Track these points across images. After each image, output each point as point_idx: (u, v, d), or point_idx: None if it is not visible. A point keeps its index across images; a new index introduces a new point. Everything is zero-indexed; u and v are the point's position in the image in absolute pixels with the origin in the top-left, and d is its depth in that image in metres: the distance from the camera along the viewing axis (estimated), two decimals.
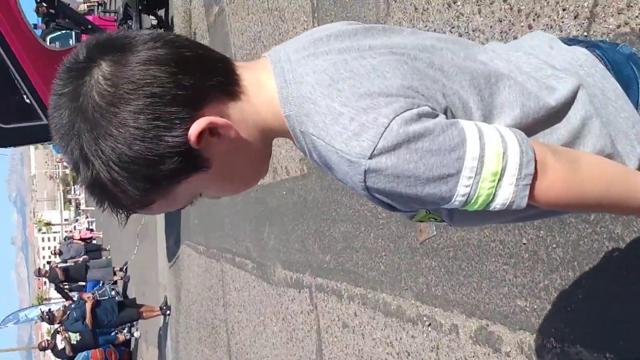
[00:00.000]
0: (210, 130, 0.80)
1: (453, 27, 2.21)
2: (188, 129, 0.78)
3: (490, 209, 0.79)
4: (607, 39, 1.64)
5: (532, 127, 0.85)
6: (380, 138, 0.74)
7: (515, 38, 1.92)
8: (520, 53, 0.93)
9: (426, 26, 2.36)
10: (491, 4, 2.01)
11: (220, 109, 0.82)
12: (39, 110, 7.04)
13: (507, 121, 0.83)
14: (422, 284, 2.57)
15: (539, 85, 0.86)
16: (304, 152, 0.87)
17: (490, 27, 2.02)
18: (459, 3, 2.17)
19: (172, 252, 9.24)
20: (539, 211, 0.88)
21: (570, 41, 0.98)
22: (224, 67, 0.85)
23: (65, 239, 28.81)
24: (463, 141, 0.76)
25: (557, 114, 0.86)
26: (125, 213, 0.85)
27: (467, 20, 2.13)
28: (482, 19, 2.07)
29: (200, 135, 0.79)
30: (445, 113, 0.80)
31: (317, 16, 3.46)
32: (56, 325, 12.78)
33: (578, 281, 1.75)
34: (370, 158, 0.74)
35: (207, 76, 0.81)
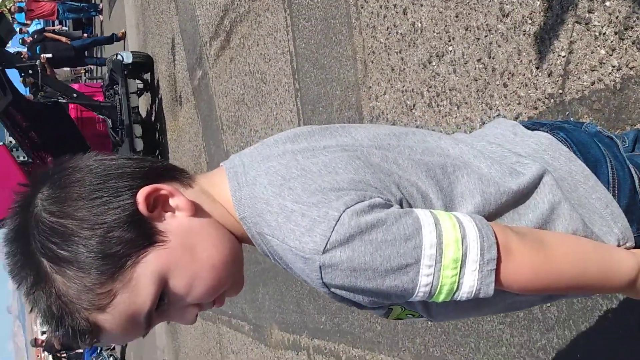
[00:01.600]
0: (163, 204, 0.81)
1: (430, 87, 2.22)
2: (135, 195, 0.79)
3: (457, 299, 0.76)
4: (572, 117, 1.65)
5: (496, 213, 0.83)
6: (332, 232, 0.72)
7: (491, 97, 1.94)
8: (484, 142, 0.92)
9: (404, 86, 2.38)
10: (465, 63, 2.03)
11: (174, 188, 0.83)
12: None
13: (469, 209, 0.82)
14: (419, 345, 2.52)
15: (503, 170, 0.85)
16: (266, 255, 0.85)
17: (467, 86, 2.04)
18: (434, 63, 2.19)
19: None
20: (526, 298, 0.86)
21: (534, 124, 0.98)
22: (175, 167, 0.88)
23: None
24: (418, 229, 0.74)
25: (522, 198, 0.85)
26: (80, 326, 0.78)
27: (443, 79, 2.15)
28: (457, 78, 2.08)
29: (150, 202, 0.79)
30: (400, 204, 0.79)
31: (298, 77, 3.49)
32: None
33: (575, 340, 1.71)
34: (323, 253, 0.73)
35: (157, 169, 0.85)
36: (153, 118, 8.80)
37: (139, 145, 7.86)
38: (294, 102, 3.59)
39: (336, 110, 2.99)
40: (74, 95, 7.84)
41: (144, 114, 8.95)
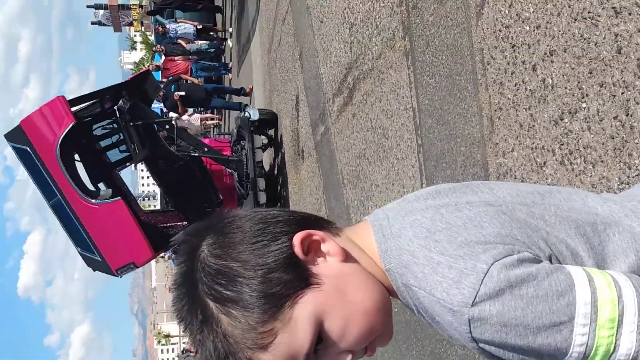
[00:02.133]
0: (315, 249, 0.85)
1: (562, 144, 2.15)
2: (291, 239, 0.84)
3: None
4: None
5: None
6: (480, 284, 0.72)
7: (630, 155, 1.84)
8: (634, 202, 0.88)
9: (533, 143, 2.32)
10: (600, 120, 1.96)
11: (325, 234, 0.88)
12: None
13: (623, 268, 0.79)
14: None
15: None
16: (410, 308, 0.86)
17: (602, 144, 1.95)
18: (566, 120, 2.13)
19: None
20: None
21: None
22: (323, 218, 0.93)
23: (182, 352, 29.50)
24: (571, 286, 0.72)
25: None
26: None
27: (577, 137, 2.07)
28: (592, 135, 2.00)
29: (304, 247, 0.84)
30: (550, 261, 0.77)
31: (420, 133, 3.51)
32: None
33: None
34: (472, 306, 0.72)
35: (308, 219, 0.91)
36: (276, 172, 9.15)
37: (262, 198, 8.17)
38: (416, 158, 3.60)
39: (460, 167, 2.96)
40: (206, 149, 8.34)
41: (267, 167, 9.33)
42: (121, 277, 8.13)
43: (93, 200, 7.33)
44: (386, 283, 0.86)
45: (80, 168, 7.91)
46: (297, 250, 0.84)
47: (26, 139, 7.08)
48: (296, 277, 0.82)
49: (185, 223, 8.78)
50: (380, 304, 0.86)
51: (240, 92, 11.85)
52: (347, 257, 0.86)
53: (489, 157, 2.66)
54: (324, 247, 0.86)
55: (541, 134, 2.29)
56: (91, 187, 7.97)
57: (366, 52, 4.46)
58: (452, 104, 3.02)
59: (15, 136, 7.18)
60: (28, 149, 7.13)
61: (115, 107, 7.58)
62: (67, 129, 6.97)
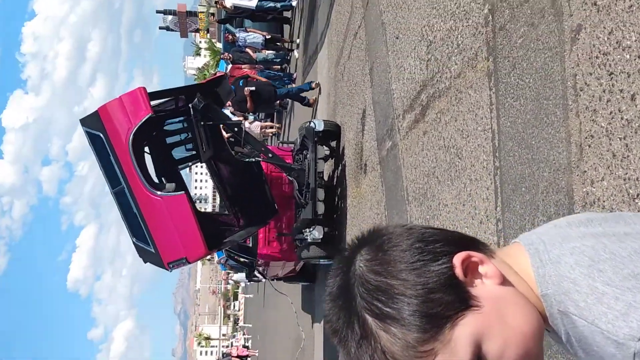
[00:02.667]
0: (473, 271, 0.86)
1: None
2: (451, 260, 0.85)
3: None
4: None
5: None
6: None
7: None
8: None
9: (626, 174, 2.26)
10: None
11: (483, 256, 0.88)
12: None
13: None
14: None
15: None
16: (557, 336, 0.86)
17: None
18: None
19: None
20: None
21: None
22: (477, 239, 0.92)
23: (223, 356, 29.80)
24: None
25: None
26: None
27: None
28: None
29: (464, 267, 0.84)
30: None
31: (499, 155, 3.47)
32: None
33: None
34: None
35: (464, 239, 0.91)
36: (335, 183, 9.18)
37: (321, 208, 8.21)
38: (491, 180, 3.56)
39: (542, 192, 2.92)
40: (270, 155, 8.44)
41: (326, 178, 9.37)
42: (171, 271, 8.23)
43: (157, 192, 7.47)
44: (539, 308, 0.86)
45: (147, 160, 8.08)
46: (458, 271, 0.84)
47: (101, 125, 7.26)
48: (456, 298, 0.82)
49: (238, 227, 8.87)
50: (537, 329, 0.86)
51: (303, 100, 11.94)
52: (504, 280, 0.86)
53: (575, 184, 2.61)
54: (481, 269, 0.86)
55: (636, 164, 2.23)
56: (156, 180, 8.12)
57: (444, 71, 4.45)
58: (537, 128, 2.98)
59: (91, 122, 7.37)
60: (101, 135, 7.32)
61: (190, 105, 7.75)
62: (144, 119, 7.13)
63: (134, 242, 8.04)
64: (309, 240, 8.30)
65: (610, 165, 2.37)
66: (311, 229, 8.26)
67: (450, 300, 0.82)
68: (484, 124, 3.68)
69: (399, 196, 5.55)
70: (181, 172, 9.15)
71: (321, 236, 8.24)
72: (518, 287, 0.87)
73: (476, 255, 0.86)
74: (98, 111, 7.23)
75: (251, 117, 19.44)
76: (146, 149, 8.02)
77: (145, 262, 8.05)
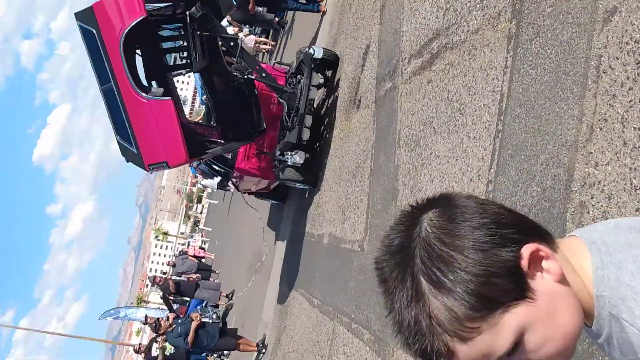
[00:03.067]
0: (536, 264, 0.88)
1: None
2: (519, 249, 0.87)
3: None
4: None
5: None
6: None
7: None
8: None
9: (634, 164, 2.34)
10: None
11: (551, 251, 0.90)
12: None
13: None
14: None
15: None
16: (596, 335, 0.89)
17: None
18: None
19: (284, 294, 9.43)
20: None
21: None
22: (542, 228, 0.95)
23: (180, 253, 30.29)
24: None
25: None
26: (438, 348, 0.88)
27: None
28: None
29: (530, 259, 0.87)
30: None
31: (503, 120, 3.51)
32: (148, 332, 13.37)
33: None
34: None
35: (536, 229, 0.92)
36: (323, 112, 9.16)
37: (306, 134, 8.22)
38: (491, 141, 3.62)
39: (541, 164, 2.99)
40: (264, 74, 8.33)
41: (316, 106, 9.32)
42: (151, 172, 8.28)
43: (144, 94, 7.40)
44: (587, 306, 0.90)
45: (139, 64, 7.95)
46: (524, 262, 0.87)
47: (95, 21, 7.12)
48: (515, 287, 0.86)
49: (224, 140, 8.85)
50: (578, 330, 0.90)
51: (313, 9, 11.34)
52: (562, 279, 0.89)
53: (577, 163, 2.68)
54: (545, 264, 0.89)
55: None
56: (145, 83, 8.02)
57: (461, 23, 4.40)
58: (549, 101, 3.01)
59: (85, 17, 7.22)
60: (94, 31, 7.18)
61: (187, 13, 7.56)
62: (137, 20, 6.99)
63: (117, 141, 8.01)
64: (289, 163, 8.36)
65: (619, 152, 2.43)
66: (293, 153, 8.30)
67: (509, 289, 0.85)
68: (494, 85, 3.70)
69: (390, 138, 5.59)
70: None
71: (302, 161, 8.30)
72: (573, 285, 0.90)
73: (544, 250, 0.89)
74: (93, 7, 7.10)
75: (246, 30, 18.93)
76: (139, 51, 7.86)
77: (127, 161, 8.06)
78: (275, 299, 9.98)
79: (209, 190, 31.04)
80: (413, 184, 4.79)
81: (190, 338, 9.69)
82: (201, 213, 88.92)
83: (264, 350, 9.83)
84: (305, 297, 7.98)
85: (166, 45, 8.60)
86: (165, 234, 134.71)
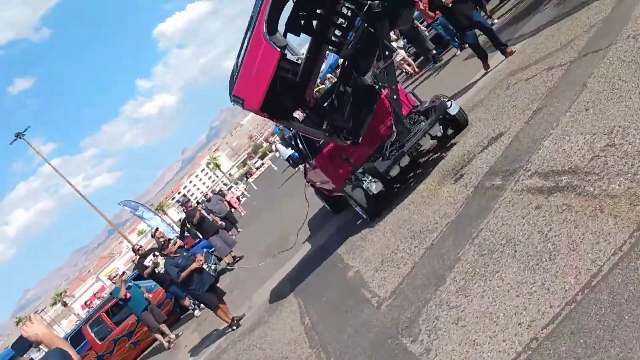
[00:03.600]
0: None
1: None
2: None
3: None
4: None
5: None
6: None
7: None
8: None
9: None
10: None
11: None
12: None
13: None
14: None
15: None
16: None
17: None
18: None
19: (283, 291, 9.36)
20: None
21: None
22: None
23: (218, 192, 30.84)
24: None
25: None
26: None
27: None
28: None
29: None
30: None
31: (586, 294, 3.30)
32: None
33: None
34: None
35: None
36: (421, 162, 9.03)
37: (395, 171, 8.17)
38: (561, 305, 3.41)
39: (601, 356, 2.79)
40: (394, 96, 8.26)
41: (418, 153, 9.17)
42: (232, 103, 8.40)
43: (266, 35, 7.55)
44: None
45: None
46: None
47: None
48: None
49: (310, 123, 8.79)
50: None
51: (503, 47, 10.28)
52: None
53: None
54: None
55: None
56: (279, 29, 8.06)
57: (603, 179, 4.19)
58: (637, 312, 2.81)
59: None
60: None
61: (369, 2, 7.62)
62: None
63: (235, 63, 8.21)
64: (363, 186, 8.26)
65: None
66: (373, 180, 8.19)
67: None
68: (597, 257, 3.49)
69: (468, 230, 5.41)
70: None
71: (375, 192, 8.20)
72: None
73: None
74: None
75: (402, 43, 18.93)
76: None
77: (229, 90, 8.25)
78: (274, 291, 9.93)
79: (277, 154, 31.39)
80: (463, 286, 4.61)
81: (184, 274, 9.76)
82: (257, 169, 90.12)
83: (234, 327, 9.82)
84: (301, 309, 7.89)
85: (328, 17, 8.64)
86: (217, 165, 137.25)
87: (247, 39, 7.87)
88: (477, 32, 10.77)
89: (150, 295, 13.75)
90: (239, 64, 8.02)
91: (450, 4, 10.52)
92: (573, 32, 7.91)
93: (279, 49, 7.58)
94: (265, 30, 7.50)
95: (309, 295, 8.16)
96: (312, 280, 8.62)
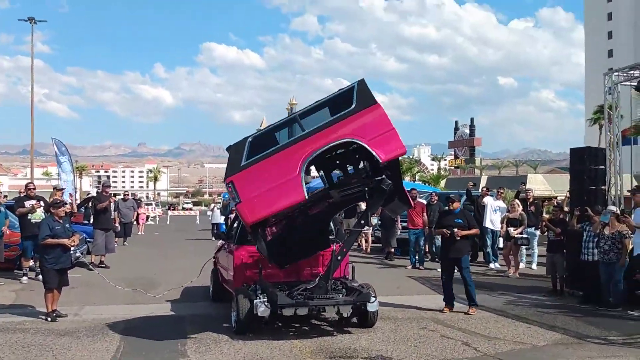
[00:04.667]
0: None
1: None
2: None
3: None
4: None
5: None
6: None
7: None
8: None
9: None
10: None
11: None
12: None
13: None
14: None
15: None
16: None
17: None
18: None
19: (113, 327, 8.85)
20: None
21: None
22: None
23: (137, 199, 29.94)
24: None
25: None
26: None
27: None
28: None
29: None
30: None
31: None
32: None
33: None
34: None
35: None
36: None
37: (288, 312, 8.08)
38: None
39: None
40: (339, 257, 8.49)
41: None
42: (226, 186, 8.07)
43: (303, 172, 7.62)
44: None
45: None
46: None
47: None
48: None
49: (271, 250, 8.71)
50: None
51: (472, 303, 9.91)
52: None
53: None
54: None
55: None
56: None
57: None
58: None
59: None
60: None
61: (382, 175, 8.00)
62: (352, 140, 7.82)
63: (249, 142, 8.14)
64: (254, 301, 8.10)
65: None
66: (266, 303, 8.03)
67: None
68: None
69: None
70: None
71: (259, 315, 8.03)
72: None
73: None
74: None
75: (375, 220, 19.26)
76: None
77: (227, 150, 8.23)
78: (106, 320, 9.33)
79: (209, 214, 31.13)
80: None
81: (51, 240, 9.22)
82: (184, 209, 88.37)
83: (49, 319, 9.21)
84: (117, 353, 7.41)
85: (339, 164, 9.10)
86: (155, 178, 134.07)
87: (280, 146, 7.92)
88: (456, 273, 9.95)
89: (8, 231, 12.92)
90: (257, 159, 7.82)
91: (459, 237, 9.75)
92: None
93: (306, 196, 7.61)
94: (303, 162, 7.58)
95: (134, 349, 7.70)
96: (145, 344, 8.07)
